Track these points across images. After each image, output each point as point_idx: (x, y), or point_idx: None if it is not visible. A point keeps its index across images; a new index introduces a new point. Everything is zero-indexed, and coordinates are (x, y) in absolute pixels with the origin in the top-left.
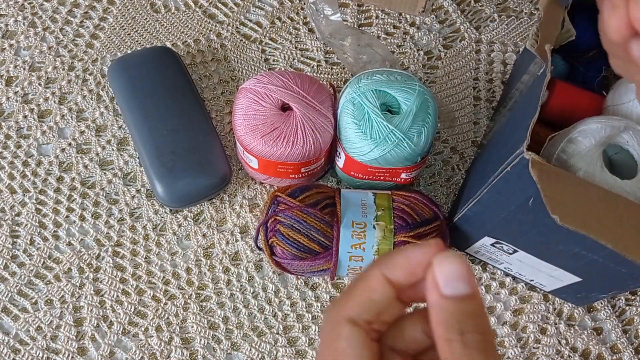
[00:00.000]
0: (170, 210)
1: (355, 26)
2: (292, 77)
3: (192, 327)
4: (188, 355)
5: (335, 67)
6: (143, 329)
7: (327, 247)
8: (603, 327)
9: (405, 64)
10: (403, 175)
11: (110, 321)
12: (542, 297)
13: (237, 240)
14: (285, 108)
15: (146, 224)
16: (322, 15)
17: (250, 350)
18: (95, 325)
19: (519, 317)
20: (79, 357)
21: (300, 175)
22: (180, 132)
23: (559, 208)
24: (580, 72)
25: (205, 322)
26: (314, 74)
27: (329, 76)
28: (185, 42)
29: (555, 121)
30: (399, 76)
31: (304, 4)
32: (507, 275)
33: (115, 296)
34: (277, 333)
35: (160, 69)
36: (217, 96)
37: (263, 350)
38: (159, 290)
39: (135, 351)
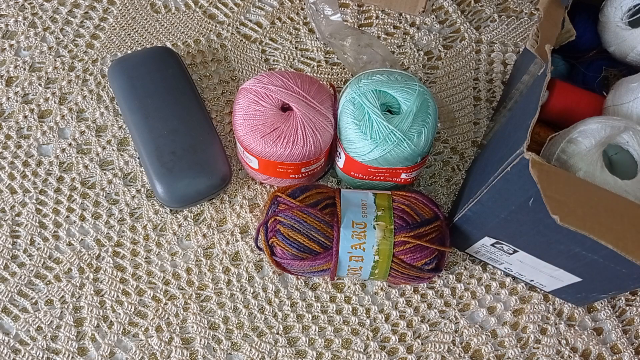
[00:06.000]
0: (171, 211)
1: (355, 26)
2: (292, 77)
3: (193, 327)
4: (188, 355)
5: (335, 67)
6: (143, 329)
7: (327, 247)
8: (603, 328)
9: (405, 64)
10: (403, 176)
11: (111, 321)
12: (542, 298)
13: (237, 241)
14: (285, 108)
15: (146, 224)
16: (322, 16)
17: (251, 350)
18: (95, 325)
19: (519, 317)
20: (79, 357)
21: (301, 176)
22: (180, 132)
23: (559, 208)
24: (580, 72)
25: (206, 322)
26: (314, 74)
27: (329, 76)
28: (185, 42)
29: (555, 121)
30: (399, 76)
31: (304, 4)
32: (507, 275)
33: (115, 296)
34: (277, 333)
35: (160, 69)
36: (217, 96)
37: (263, 350)
38: (159, 291)
39: (135, 351)
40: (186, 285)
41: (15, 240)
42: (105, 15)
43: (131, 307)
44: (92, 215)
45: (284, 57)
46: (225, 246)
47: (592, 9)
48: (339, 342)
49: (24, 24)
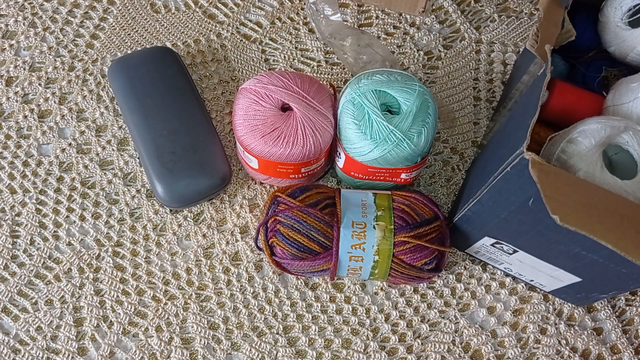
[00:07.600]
0: (170, 211)
1: (355, 26)
2: (292, 77)
3: (192, 327)
4: (188, 355)
5: (335, 67)
6: (143, 329)
7: (327, 247)
8: (603, 328)
9: (405, 64)
10: (403, 176)
11: (110, 321)
12: (542, 298)
13: (237, 241)
14: (285, 108)
15: (146, 224)
16: (322, 16)
17: (250, 350)
18: (95, 325)
19: (519, 317)
20: (79, 357)
21: (301, 176)
22: (180, 132)
23: (559, 208)
24: (580, 72)
25: (205, 322)
26: (314, 74)
27: (329, 76)
28: (185, 42)
29: (555, 121)
30: (399, 76)
31: (304, 4)
32: (507, 275)
33: (115, 296)
34: (277, 333)
35: (160, 69)
36: (217, 96)
37: (263, 350)
38: (159, 291)
39: (135, 351)
40: (186, 285)
41: (15, 240)
42: (105, 15)
43: (131, 307)
44: (92, 215)
45: (284, 57)
46: (225, 246)
47: (592, 9)
48: (339, 342)
49: (24, 24)
